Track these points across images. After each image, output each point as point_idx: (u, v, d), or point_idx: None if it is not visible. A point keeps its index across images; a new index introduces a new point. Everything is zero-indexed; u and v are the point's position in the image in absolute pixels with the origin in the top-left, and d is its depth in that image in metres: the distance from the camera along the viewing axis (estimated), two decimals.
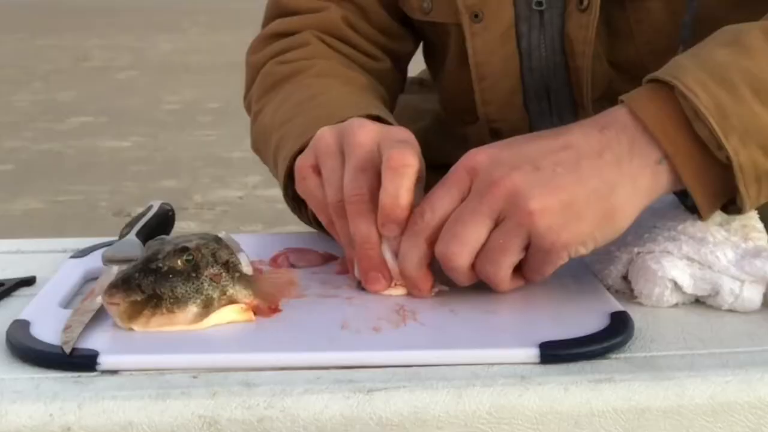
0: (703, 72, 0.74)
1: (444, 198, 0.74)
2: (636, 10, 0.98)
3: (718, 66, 0.74)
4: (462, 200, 0.74)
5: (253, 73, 1.11)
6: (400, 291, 0.78)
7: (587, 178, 0.72)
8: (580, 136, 0.74)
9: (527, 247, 0.74)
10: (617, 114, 0.75)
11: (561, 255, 0.73)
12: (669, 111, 0.73)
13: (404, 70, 1.18)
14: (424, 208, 0.75)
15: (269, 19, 1.14)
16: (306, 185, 0.82)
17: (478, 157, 0.74)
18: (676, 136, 0.73)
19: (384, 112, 0.92)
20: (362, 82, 1.04)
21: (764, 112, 0.73)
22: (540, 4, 0.99)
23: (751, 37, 0.76)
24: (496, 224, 0.73)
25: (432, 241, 0.75)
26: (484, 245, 0.73)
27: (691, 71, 0.74)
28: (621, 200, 0.73)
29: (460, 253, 0.73)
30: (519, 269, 0.76)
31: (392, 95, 1.12)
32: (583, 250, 0.74)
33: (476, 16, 1.01)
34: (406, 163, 0.76)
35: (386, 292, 0.78)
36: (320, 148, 0.81)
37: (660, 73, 0.75)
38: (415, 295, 0.77)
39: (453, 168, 0.75)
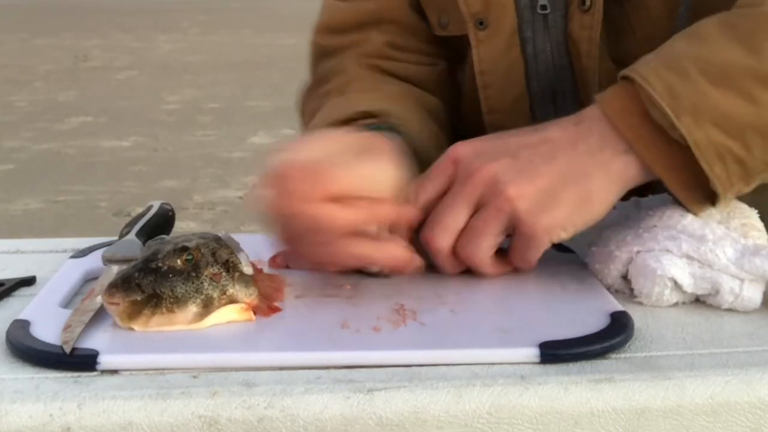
0: (658, 62, 0.78)
1: (427, 186, 0.80)
2: (634, 6, 0.98)
3: (673, 55, 0.79)
4: (446, 188, 0.79)
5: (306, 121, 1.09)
6: None
7: (562, 165, 0.77)
8: (556, 130, 0.79)
9: (509, 235, 0.78)
10: (591, 110, 0.80)
11: (542, 240, 0.77)
12: (630, 103, 0.78)
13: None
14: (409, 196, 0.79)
15: (315, 61, 1.13)
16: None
17: (462, 149, 0.80)
18: (639, 126, 0.77)
19: (387, 111, 0.94)
20: (392, 91, 1.03)
21: (713, 91, 0.75)
22: (544, 7, 0.99)
23: (706, 27, 0.79)
24: (477, 210, 0.77)
25: (416, 227, 0.79)
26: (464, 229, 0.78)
27: (649, 63, 0.78)
28: (596, 186, 0.77)
29: (441, 236, 0.78)
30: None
31: (451, 97, 1.10)
32: (563, 235, 0.78)
33: (481, 23, 1.01)
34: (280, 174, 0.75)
35: None
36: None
37: (626, 70, 0.79)
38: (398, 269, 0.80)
39: (439, 159, 0.80)
